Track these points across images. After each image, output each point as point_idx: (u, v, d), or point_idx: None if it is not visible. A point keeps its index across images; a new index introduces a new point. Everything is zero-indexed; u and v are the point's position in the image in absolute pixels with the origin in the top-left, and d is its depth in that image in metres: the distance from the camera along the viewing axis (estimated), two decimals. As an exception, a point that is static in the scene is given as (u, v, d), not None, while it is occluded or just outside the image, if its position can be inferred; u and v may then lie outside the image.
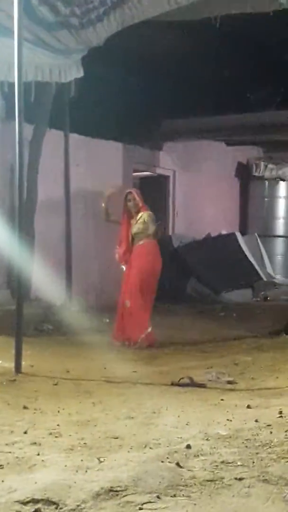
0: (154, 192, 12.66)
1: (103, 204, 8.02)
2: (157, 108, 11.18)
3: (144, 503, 2.86)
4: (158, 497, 2.91)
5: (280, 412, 4.35)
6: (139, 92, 10.47)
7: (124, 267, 7.93)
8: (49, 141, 9.41)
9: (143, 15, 7.02)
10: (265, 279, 12.76)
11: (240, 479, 3.14)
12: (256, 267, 12.70)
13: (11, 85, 6.33)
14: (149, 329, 7.67)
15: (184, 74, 10.32)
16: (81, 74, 7.83)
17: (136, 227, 7.81)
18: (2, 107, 9.06)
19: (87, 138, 10.66)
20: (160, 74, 10.25)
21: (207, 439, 3.79)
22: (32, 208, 9.07)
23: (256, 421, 4.18)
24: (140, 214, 7.82)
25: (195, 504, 2.87)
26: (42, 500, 2.88)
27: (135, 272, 7.73)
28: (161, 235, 8.31)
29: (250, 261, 12.67)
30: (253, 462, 3.38)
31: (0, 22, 6.66)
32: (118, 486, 3.00)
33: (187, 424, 4.15)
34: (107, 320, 8.73)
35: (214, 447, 3.63)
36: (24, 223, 6.57)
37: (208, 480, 3.12)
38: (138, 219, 7.81)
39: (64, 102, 9.39)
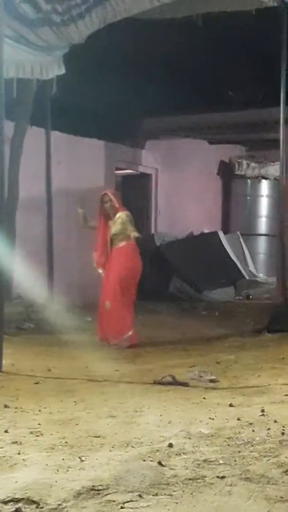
0: (136, 190, 12.68)
1: (78, 210, 7.91)
2: (139, 106, 11.17)
3: (126, 502, 2.84)
4: (140, 496, 2.89)
5: (262, 411, 4.35)
6: (121, 90, 10.45)
7: (100, 271, 7.82)
8: (30, 138, 9.37)
9: (125, 12, 7.01)
10: (247, 277, 12.79)
11: (222, 477, 3.13)
12: (239, 265, 12.73)
13: (-8, 82, 6.27)
14: (131, 332, 7.59)
15: (166, 72, 10.32)
16: (62, 71, 7.81)
17: (114, 228, 7.71)
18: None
19: (69, 136, 10.63)
20: (142, 71, 10.23)
21: (189, 438, 3.78)
22: (13, 206, 9.03)
23: (238, 419, 4.18)
24: (118, 215, 7.72)
25: (177, 503, 2.85)
26: (22, 499, 2.85)
27: (115, 274, 7.64)
28: (140, 236, 8.22)
29: (232, 260, 12.69)
30: (235, 461, 3.38)
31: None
32: (100, 485, 2.98)
33: (169, 423, 4.14)
34: (89, 319, 8.70)
35: (196, 446, 3.62)
36: (5, 220, 6.53)
37: (190, 479, 3.10)
38: (116, 220, 7.71)
39: (46, 99, 9.34)
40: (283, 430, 3.93)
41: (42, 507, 2.80)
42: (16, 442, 3.74)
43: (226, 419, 4.21)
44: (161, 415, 4.34)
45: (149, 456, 3.41)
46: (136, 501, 2.85)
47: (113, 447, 3.64)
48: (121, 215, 7.73)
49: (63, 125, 10.20)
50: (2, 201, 6.18)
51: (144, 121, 12.12)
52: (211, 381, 5.53)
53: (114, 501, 2.85)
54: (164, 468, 3.24)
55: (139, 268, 7.84)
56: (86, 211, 7.91)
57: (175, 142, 13.22)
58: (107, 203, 7.75)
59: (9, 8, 6.39)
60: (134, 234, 7.73)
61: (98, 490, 2.94)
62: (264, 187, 14.68)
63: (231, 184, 14.82)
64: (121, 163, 12.19)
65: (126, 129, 11.92)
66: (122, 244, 7.72)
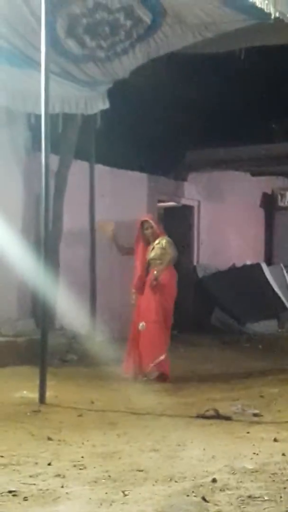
0: (179, 222, 12.67)
1: (111, 241, 7.91)
2: (182, 138, 11.23)
3: (169, 538, 2.81)
4: (183, 532, 2.87)
5: (308, 446, 4.28)
6: (163, 123, 10.53)
7: (134, 295, 7.69)
8: (74, 172, 9.47)
9: (168, 47, 7.11)
10: (290, 310, 12.65)
11: (267, 514, 3.08)
12: (282, 297, 12.60)
13: (38, 116, 6.41)
14: (163, 356, 7.34)
15: (208, 105, 10.37)
16: (106, 105, 7.92)
17: (154, 252, 7.62)
18: (29, 139, 9.16)
19: (112, 169, 10.72)
20: (185, 105, 10.30)
21: (233, 473, 3.74)
22: (57, 237, 9.11)
23: (283, 454, 4.12)
24: (158, 240, 7.67)
25: (221, 540, 2.82)
26: (66, 533, 2.84)
27: (152, 299, 7.47)
28: (179, 261, 8.11)
29: (275, 292, 12.58)
30: (281, 497, 3.32)
31: (27, 55, 6.77)
32: (143, 520, 2.96)
33: (212, 457, 4.10)
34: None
35: (241, 481, 3.58)
36: (49, 252, 6.60)
37: (234, 515, 3.07)
38: (156, 244, 7.64)
39: (90, 133, 9.46)
40: None
41: None
42: (59, 475, 3.74)
43: (271, 454, 4.16)
44: (204, 450, 4.31)
45: (192, 492, 3.38)
46: (180, 537, 2.82)
47: (156, 481, 3.62)
48: (162, 240, 7.66)
49: (107, 158, 10.31)
50: (47, 233, 6.26)
51: (187, 153, 12.16)
52: (255, 415, 5.48)
53: (158, 536, 2.83)
54: (208, 504, 3.21)
55: (174, 290, 7.69)
56: (117, 239, 7.93)
57: (217, 174, 13.23)
58: (148, 230, 7.69)
59: (54, 45, 6.53)
60: (171, 255, 7.59)
61: (142, 525, 2.92)
62: (307, 218, 14.57)
63: (274, 216, 14.75)
64: (163, 196, 12.23)
65: (168, 162, 11.97)
66: (157, 268, 7.56)
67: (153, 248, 7.67)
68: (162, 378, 7.34)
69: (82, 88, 7.52)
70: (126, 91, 8.45)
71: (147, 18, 6.67)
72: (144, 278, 7.68)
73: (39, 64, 6.15)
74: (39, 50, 6.12)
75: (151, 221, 7.81)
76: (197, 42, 7.05)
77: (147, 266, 7.71)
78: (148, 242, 7.73)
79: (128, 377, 7.39)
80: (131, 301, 7.76)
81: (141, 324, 7.50)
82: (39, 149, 6.21)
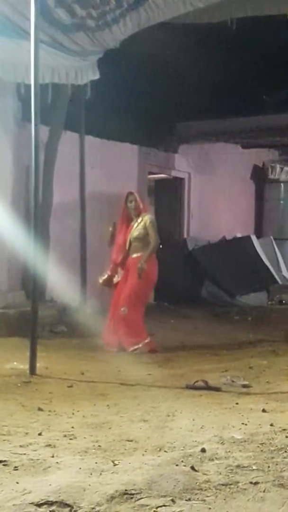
0: (169, 194, 12.68)
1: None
2: (173, 110, 11.17)
3: (158, 507, 2.84)
4: (172, 500, 2.89)
5: (296, 416, 4.32)
6: (154, 95, 10.46)
7: (109, 273, 7.83)
8: (64, 143, 9.42)
9: (158, 17, 7.03)
10: (280, 282, 12.70)
11: (255, 483, 3.11)
12: (272, 270, 12.65)
13: (28, 87, 6.35)
14: (147, 340, 7.48)
15: (199, 77, 10.30)
16: (97, 76, 7.84)
17: (137, 231, 7.61)
18: (19, 109, 9.08)
19: (103, 141, 10.66)
20: (175, 76, 10.22)
21: (222, 443, 3.77)
22: (47, 210, 9.08)
23: (271, 425, 4.16)
24: (141, 217, 7.65)
25: (209, 508, 2.85)
26: (56, 502, 2.87)
27: (133, 282, 7.53)
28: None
29: (265, 264, 12.62)
30: (268, 467, 3.36)
31: (17, 24, 6.68)
32: (133, 489, 2.99)
33: (201, 428, 4.13)
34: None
35: (229, 451, 3.61)
36: (39, 225, 6.58)
37: (223, 484, 3.10)
38: (140, 222, 7.63)
39: (80, 104, 9.39)
40: None
41: (75, 510, 2.81)
42: (49, 445, 3.77)
43: (259, 424, 4.19)
44: (193, 420, 4.34)
45: (182, 461, 3.41)
46: (169, 506, 2.85)
47: (146, 451, 3.65)
48: (145, 218, 7.63)
49: (97, 129, 10.25)
50: (37, 205, 6.23)
51: (177, 125, 12.11)
52: (244, 386, 5.52)
53: (147, 505, 2.85)
54: (197, 473, 3.24)
55: (155, 277, 7.74)
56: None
57: (208, 146, 13.19)
58: (131, 203, 7.67)
59: (44, 14, 6.44)
60: (154, 243, 7.58)
61: (131, 494, 2.95)
62: (298, 191, 14.59)
63: (264, 189, 14.74)
64: (154, 167, 12.19)
65: (159, 134, 11.92)
66: (139, 254, 7.58)
67: (137, 226, 7.62)
68: (150, 351, 7.40)
69: (72, 58, 7.44)
70: (116, 61, 8.36)
71: (137, -13, 6.60)
72: (124, 255, 7.68)
73: (29, 34, 6.09)
74: (28, 19, 6.06)
75: (135, 194, 7.79)
76: (188, 12, 6.97)
77: (129, 244, 7.69)
78: (130, 217, 7.71)
79: (111, 350, 7.42)
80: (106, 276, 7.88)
81: (123, 309, 7.52)
82: (29, 120, 6.16)
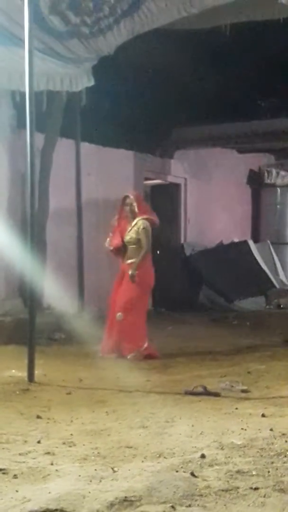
0: (166, 200, 12.66)
1: (111, 234, 7.76)
2: (168, 116, 11.18)
3: (159, 513, 2.83)
4: (172, 507, 2.88)
5: (295, 421, 4.32)
6: (149, 100, 10.48)
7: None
8: (60, 150, 9.42)
9: (153, 23, 7.04)
10: (278, 286, 12.70)
11: (255, 488, 3.11)
12: (269, 274, 12.65)
13: (23, 94, 6.35)
14: (145, 345, 7.40)
15: (194, 82, 10.32)
16: (91, 83, 7.84)
17: (128, 235, 7.54)
18: (14, 117, 9.08)
19: (98, 147, 10.67)
20: (170, 82, 10.24)
21: (221, 449, 3.77)
22: (44, 217, 9.07)
23: (271, 430, 4.15)
24: (136, 220, 7.55)
25: (210, 514, 2.84)
26: (56, 510, 2.86)
27: (128, 288, 7.47)
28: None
29: (263, 269, 12.62)
30: (268, 472, 3.35)
31: (11, 32, 6.69)
32: (133, 496, 2.98)
33: (201, 434, 4.12)
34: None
35: (229, 457, 3.60)
36: (36, 232, 6.57)
37: (223, 490, 3.09)
38: (133, 227, 7.55)
39: (75, 111, 9.39)
40: None
41: (75, 518, 2.80)
42: (48, 452, 3.76)
43: (259, 429, 4.19)
44: (193, 426, 4.33)
45: (181, 467, 3.40)
46: (169, 512, 2.84)
47: (145, 458, 3.64)
48: (139, 223, 7.54)
49: (92, 136, 10.25)
50: (33, 212, 6.23)
51: (173, 131, 12.12)
52: (243, 391, 5.51)
53: (147, 512, 2.84)
54: (197, 479, 3.23)
55: (151, 281, 7.67)
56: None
57: (204, 151, 13.20)
58: (127, 206, 7.60)
59: (38, 21, 6.46)
60: (145, 250, 7.48)
61: (131, 501, 2.94)
62: (294, 195, 14.59)
63: (260, 193, 14.74)
64: (150, 173, 12.19)
65: (155, 139, 11.93)
66: (132, 260, 7.50)
67: (129, 231, 7.57)
68: (150, 356, 7.37)
69: (66, 65, 7.45)
70: (111, 68, 8.38)
71: (131, -7, 6.62)
72: (122, 248, 7.60)
73: (23, 41, 6.10)
74: (23, 27, 6.07)
75: (132, 197, 7.68)
76: (182, 18, 6.99)
77: (124, 247, 7.62)
78: (127, 219, 7.64)
79: (106, 357, 7.36)
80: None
81: (119, 314, 7.44)
82: (24, 127, 6.17)
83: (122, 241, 7.63)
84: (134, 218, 7.60)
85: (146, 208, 7.88)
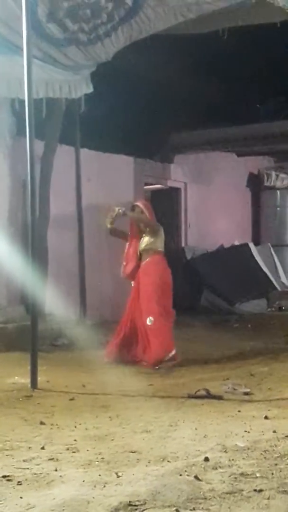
0: (166, 204, 12.68)
1: (117, 209, 7.55)
2: (167, 121, 11.21)
3: (163, 517, 2.84)
4: (177, 510, 2.89)
5: (298, 423, 4.32)
6: (148, 106, 10.51)
7: (133, 283, 7.61)
8: (60, 156, 9.45)
9: (150, 29, 7.07)
10: (279, 289, 12.71)
11: (260, 491, 3.11)
12: (270, 277, 12.66)
13: (22, 102, 6.38)
14: (174, 351, 7.24)
15: (193, 87, 10.36)
16: (90, 89, 7.88)
17: (145, 242, 7.54)
18: (13, 124, 9.12)
19: (98, 153, 10.69)
20: (169, 87, 10.28)
21: (225, 451, 3.77)
22: (44, 223, 9.09)
23: (274, 432, 4.16)
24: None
25: (214, 517, 2.85)
26: (61, 516, 2.86)
27: (150, 288, 7.36)
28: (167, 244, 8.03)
29: (264, 271, 12.63)
30: (272, 474, 3.36)
31: (9, 40, 6.72)
32: (137, 501, 2.98)
33: (204, 437, 4.13)
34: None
35: (233, 459, 3.61)
36: (37, 238, 6.59)
37: (227, 493, 3.09)
38: (147, 233, 7.55)
39: (75, 118, 9.42)
40: None
41: (80, 523, 2.81)
42: (52, 458, 3.76)
43: (262, 431, 4.19)
44: (196, 429, 4.34)
45: (185, 471, 3.40)
46: (173, 516, 2.85)
47: (149, 462, 3.65)
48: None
49: (92, 142, 10.28)
50: (34, 219, 6.25)
51: (172, 135, 12.15)
52: (246, 393, 5.52)
53: (151, 516, 2.85)
54: (201, 482, 3.24)
55: (168, 279, 7.56)
56: (124, 210, 7.58)
57: (204, 155, 13.23)
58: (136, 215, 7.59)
59: (36, 29, 6.49)
60: (161, 242, 7.52)
61: (135, 505, 2.94)
62: (294, 198, 14.63)
63: (260, 196, 14.77)
64: (150, 178, 12.22)
65: (154, 144, 11.96)
66: (148, 259, 7.51)
67: (145, 237, 7.54)
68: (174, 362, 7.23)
69: (65, 72, 7.49)
70: (109, 74, 8.42)
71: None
72: (136, 266, 7.57)
73: (21, 49, 6.12)
74: (21, 35, 6.09)
75: (141, 206, 7.65)
76: (179, 24, 7.02)
77: (139, 256, 7.61)
78: (138, 229, 7.62)
79: (109, 362, 7.33)
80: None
81: (149, 319, 7.29)
82: (24, 135, 6.19)
83: (135, 255, 7.59)
84: (145, 226, 7.56)
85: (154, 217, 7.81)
